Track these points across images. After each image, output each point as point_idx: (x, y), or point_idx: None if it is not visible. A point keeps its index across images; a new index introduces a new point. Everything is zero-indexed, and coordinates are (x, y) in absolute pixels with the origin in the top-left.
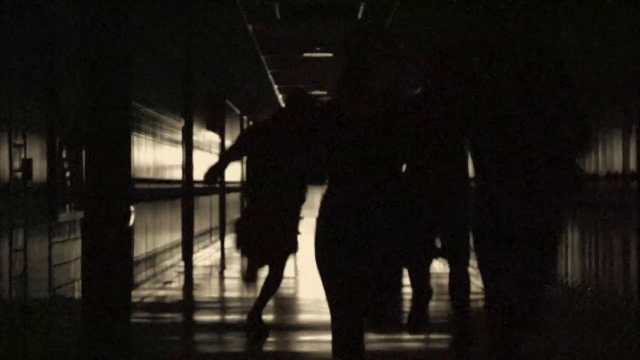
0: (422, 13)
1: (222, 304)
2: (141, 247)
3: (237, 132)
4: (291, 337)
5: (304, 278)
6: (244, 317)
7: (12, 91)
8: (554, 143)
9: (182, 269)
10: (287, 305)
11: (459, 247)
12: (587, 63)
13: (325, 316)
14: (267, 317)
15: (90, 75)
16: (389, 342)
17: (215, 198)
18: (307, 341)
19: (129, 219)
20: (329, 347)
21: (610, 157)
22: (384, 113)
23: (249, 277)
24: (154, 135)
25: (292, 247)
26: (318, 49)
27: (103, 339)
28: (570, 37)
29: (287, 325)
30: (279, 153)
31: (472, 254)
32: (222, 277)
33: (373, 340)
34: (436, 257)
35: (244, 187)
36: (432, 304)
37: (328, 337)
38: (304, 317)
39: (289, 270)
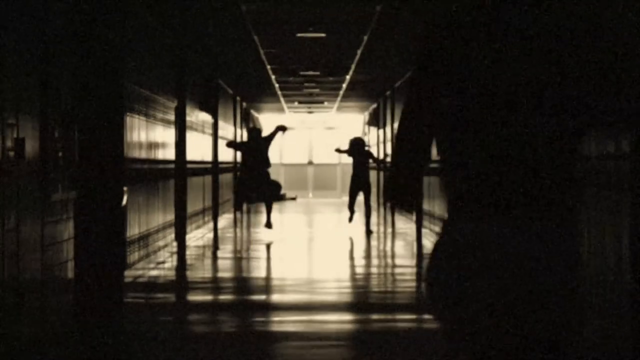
0: None
1: (214, 284)
2: (134, 227)
3: (229, 113)
4: (283, 317)
5: (295, 261)
6: (237, 297)
7: (4, 70)
8: None
9: (175, 249)
10: (278, 286)
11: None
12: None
13: (315, 296)
14: (258, 298)
15: (82, 56)
16: (383, 323)
17: (208, 178)
18: (299, 321)
19: (121, 199)
20: (321, 327)
21: (602, 137)
22: None
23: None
24: (146, 115)
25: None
26: (311, 29)
27: (96, 319)
28: None
29: (279, 305)
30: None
31: None
32: (215, 258)
33: (367, 320)
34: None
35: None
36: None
37: (320, 317)
38: (295, 298)
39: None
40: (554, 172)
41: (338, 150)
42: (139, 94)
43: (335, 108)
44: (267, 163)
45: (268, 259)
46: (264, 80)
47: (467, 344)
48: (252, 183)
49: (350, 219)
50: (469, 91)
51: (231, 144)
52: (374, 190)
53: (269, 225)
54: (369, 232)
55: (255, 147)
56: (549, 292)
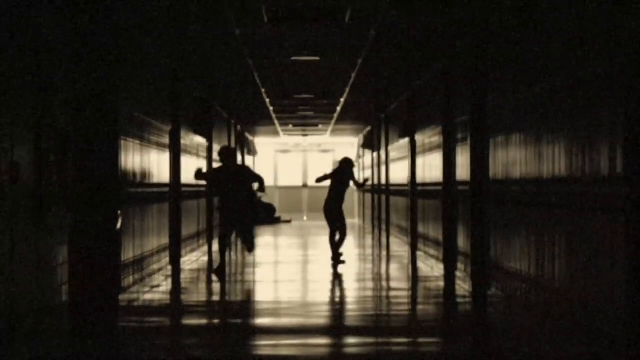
0: (409, 17)
1: (209, 308)
2: (129, 250)
3: (224, 136)
4: (278, 341)
5: (289, 284)
6: (231, 320)
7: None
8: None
9: (169, 273)
10: (273, 309)
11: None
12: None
13: (310, 320)
14: (253, 321)
15: (77, 79)
16: (378, 346)
17: (203, 202)
18: (294, 345)
19: (116, 222)
20: (315, 350)
21: (597, 160)
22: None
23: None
24: (141, 139)
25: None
26: (306, 52)
27: (90, 343)
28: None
29: (274, 329)
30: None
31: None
32: (209, 281)
33: (361, 344)
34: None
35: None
36: (421, 307)
37: (314, 340)
38: (290, 321)
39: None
40: None
41: (320, 180)
42: (134, 118)
43: (329, 131)
44: (248, 193)
45: (263, 282)
46: (258, 103)
47: None
48: (233, 214)
49: (336, 262)
50: None
51: (199, 175)
52: (367, 212)
53: (250, 247)
54: (338, 261)
55: (232, 176)
56: None
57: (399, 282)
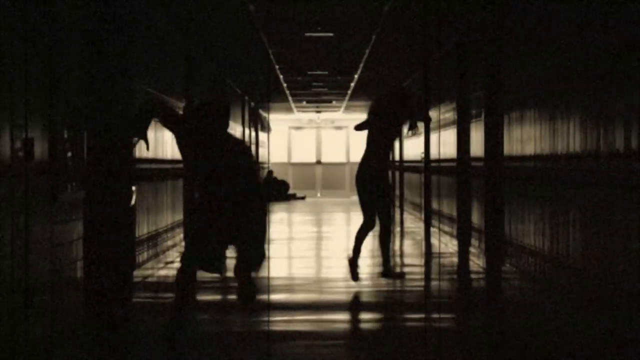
0: None
1: (223, 284)
2: (143, 227)
3: (238, 112)
4: (293, 316)
5: (305, 260)
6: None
7: (13, 70)
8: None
9: (183, 249)
10: (287, 285)
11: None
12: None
13: (324, 296)
14: (267, 297)
15: (91, 55)
16: (392, 322)
17: None
18: (308, 320)
19: (130, 198)
20: (329, 326)
21: (611, 136)
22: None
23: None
24: None
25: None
26: (320, 28)
27: (105, 319)
28: (567, 17)
29: (288, 305)
30: None
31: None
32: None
33: (375, 319)
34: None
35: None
36: (434, 283)
37: (328, 316)
38: (304, 297)
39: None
40: None
41: (360, 127)
42: (147, 94)
43: (343, 107)
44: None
45: (277, 258)
46: (272, 79)
47: None
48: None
49: (355, 274)
50: None
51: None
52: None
53: (248, 297)
54: (394, 274)
55: (218, 153)
56: None
57: (413, 258)
